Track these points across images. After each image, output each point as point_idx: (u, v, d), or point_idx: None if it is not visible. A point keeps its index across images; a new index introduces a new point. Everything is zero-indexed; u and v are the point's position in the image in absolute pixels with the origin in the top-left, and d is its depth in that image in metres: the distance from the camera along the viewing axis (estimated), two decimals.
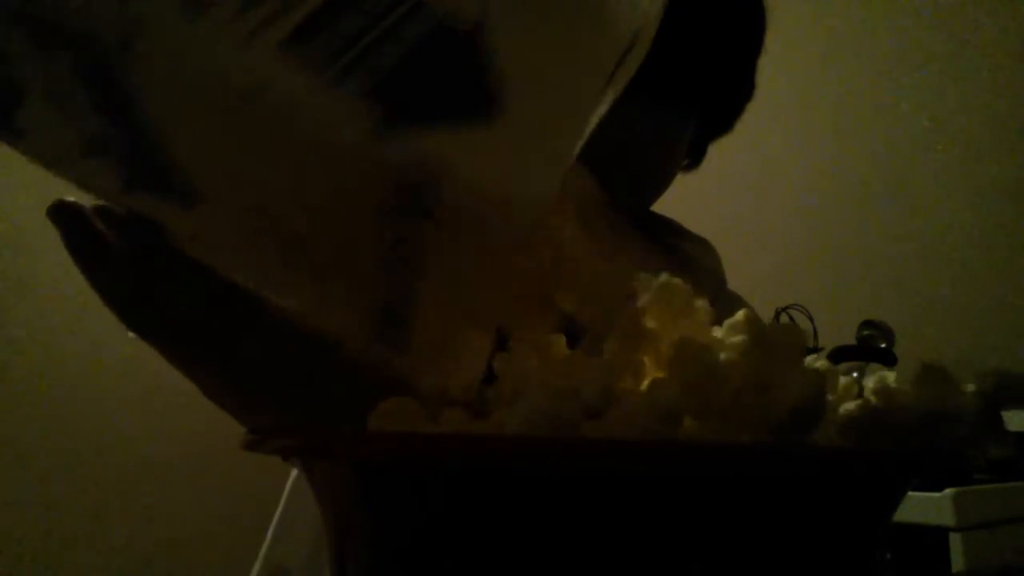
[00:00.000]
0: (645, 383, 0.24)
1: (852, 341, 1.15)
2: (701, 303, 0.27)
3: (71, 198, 0.28)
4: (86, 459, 2.61)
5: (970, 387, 0.23)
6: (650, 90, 0.42)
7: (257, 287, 0.29)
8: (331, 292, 0.26)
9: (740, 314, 0.27)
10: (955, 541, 0.89)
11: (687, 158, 0.57)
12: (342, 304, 0.26)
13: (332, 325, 0.27)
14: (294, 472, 0.56)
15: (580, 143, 0.26)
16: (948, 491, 0.89)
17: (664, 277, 0.27)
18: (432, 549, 0.20)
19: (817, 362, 0.25)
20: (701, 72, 0.46)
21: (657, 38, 0.35)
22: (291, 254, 0.25)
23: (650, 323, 0.26)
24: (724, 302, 0.60)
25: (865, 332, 1.16)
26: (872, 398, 0.24)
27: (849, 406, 0.22)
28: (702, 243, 0.63)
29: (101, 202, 0.28)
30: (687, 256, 0.60)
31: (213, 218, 0.25)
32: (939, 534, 0.89)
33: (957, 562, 0.88)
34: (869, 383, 0.24)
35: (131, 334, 0.30)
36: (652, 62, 0.42)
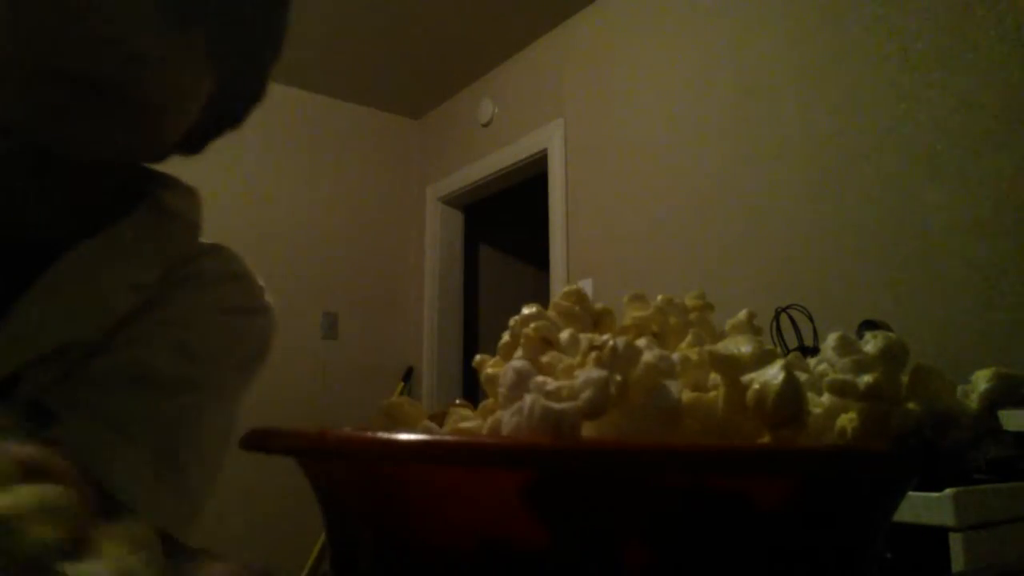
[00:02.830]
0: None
1: None
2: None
3: None
4: None
5: (969, 387, 0.23)
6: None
7: None
8: None
9: (742, 314, 0.27)
10: (955, 541, 0.89)
11: (187, 146, 0.60)
12: None
13: None
14: None
15: None
16: (948, 491, 0.89)
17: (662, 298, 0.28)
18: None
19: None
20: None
21: None
22: None
23: (654, 327, 0.26)
24: (209, 258, 0.61)
25: (865, 332, 1.16)
26: (832, 353, 0.24)
27: (851, 413, 0.22)
28: (187, 193, 0.64)
29: None
30: (166, 207, 0.62)
31: None
32: (939, 534, 0.89)
33: (957, 562, 0.88)
34: (829, 342, 0.25)
35: None
36: None
